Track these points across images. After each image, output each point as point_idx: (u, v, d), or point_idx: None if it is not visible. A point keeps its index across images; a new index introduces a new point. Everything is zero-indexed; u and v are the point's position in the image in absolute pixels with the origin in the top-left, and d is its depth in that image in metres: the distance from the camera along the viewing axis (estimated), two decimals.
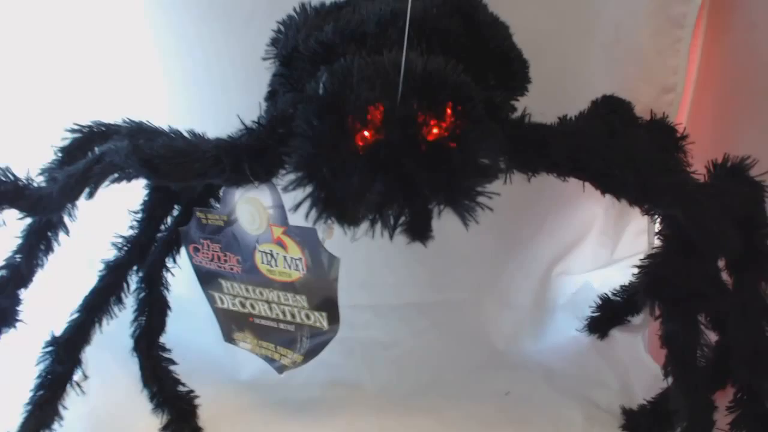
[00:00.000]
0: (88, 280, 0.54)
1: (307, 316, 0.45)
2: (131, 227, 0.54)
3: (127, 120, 0.49)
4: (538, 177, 0.42)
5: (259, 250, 0.43)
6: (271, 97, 0.43)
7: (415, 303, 0.69)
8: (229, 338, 0.49)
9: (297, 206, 0.31)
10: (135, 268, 0.56)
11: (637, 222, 0.67)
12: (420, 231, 0.29)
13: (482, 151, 0.29)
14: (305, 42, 0.38)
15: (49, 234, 0.50)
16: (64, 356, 0.52)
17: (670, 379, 0.48)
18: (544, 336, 0.71)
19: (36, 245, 0.49)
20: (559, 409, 0.62)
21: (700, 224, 0.39)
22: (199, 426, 0.59)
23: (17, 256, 0.49)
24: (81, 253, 0.62)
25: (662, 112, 0.58)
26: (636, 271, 0.67)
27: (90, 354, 0.55)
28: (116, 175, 0.43)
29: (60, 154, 0.49)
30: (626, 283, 0.68)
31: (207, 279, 0.47)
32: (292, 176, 0.32)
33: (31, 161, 0.48)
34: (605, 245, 0.69)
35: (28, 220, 0.49)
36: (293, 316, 0.45)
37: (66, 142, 0.50)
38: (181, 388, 0.60)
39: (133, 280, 0.57)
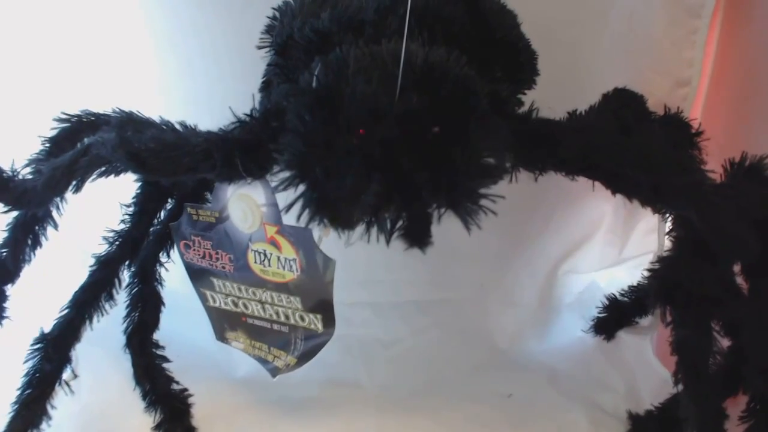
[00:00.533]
0: (81, 275, 0.53)
1: (302, 318, 0.43)
2: (123, 221, 0.53)
3: (117, 110, 0.47)
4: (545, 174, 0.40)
5: (252, 249, 0.41)
6: (266, 88, 0.41)
7: (415, 301, 0.68)
8: (221, 337, 0.48)
9: (289, 207, 0.29)
10: (127, 263, 0.54)
11: (647, 220, 0.65)
12: (418, 236, 0.27)
13: (487, 150, 0.27)
14: (300, 30, 0.35)
15: (37, 228, 0.48)
16: (53, 354, 0.50)
17: (679, 386, 0.46)
18: (548, 336, 0.70)
19: (22, 240, 0.48)
20: (563, 413, 0.60)
21: (716, 227, 0.37)
22: (192, 425, 0.58)
23: (2, 251, 0.47)
24: (73, 247, 0.60)
25: (676, 106, 0.56)
26: (645, 271, 0.66)
27: (81, 351, 0.54)
28: (103, 168, 0.41)
29: (47, 145, 0.47)
30: (635, 283, 0.65)
31: (198, 277, 0.45)
32: (283, 175, 0.30)
33: (18, 152, 0.46)
34: (613, 244, 0.67)
35: (15, 213, 0.47)
36: (287, 317, 0.43)
37: (54, 132, 0.48)
38: (174, 387, 0.59)
39: (126, 275, 0.55)
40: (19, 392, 0.49)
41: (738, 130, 0.57)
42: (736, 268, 0.42)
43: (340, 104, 0.27)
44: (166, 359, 0.59)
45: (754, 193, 0.39)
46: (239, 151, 0.37)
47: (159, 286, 0.57)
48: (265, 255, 0.41)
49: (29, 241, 0.48)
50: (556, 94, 0.43)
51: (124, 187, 0.50)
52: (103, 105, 0.48)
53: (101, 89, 0.59)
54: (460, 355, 0.67)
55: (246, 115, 0.37)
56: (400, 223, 0.28)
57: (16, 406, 0.49)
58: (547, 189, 0.62)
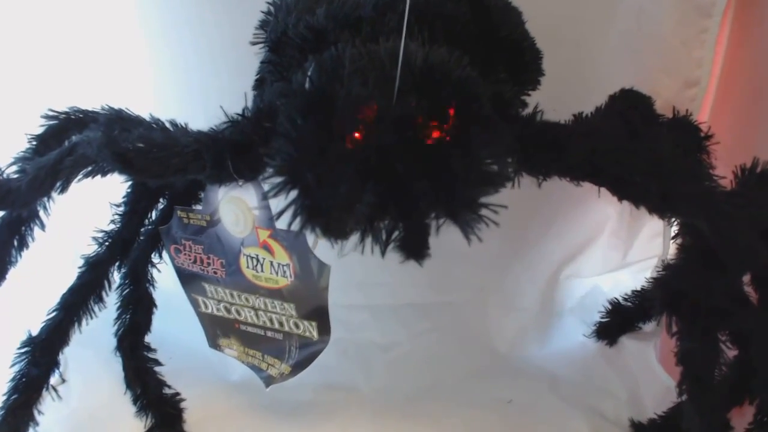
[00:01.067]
0: (70, 276, 0.51)
1: (296, 325, 0.41)
2: (113, 221, 0.51)
3: (106, 107, 0.45)
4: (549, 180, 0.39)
5: (245, 254, 0.40)
6: (259, 86, 0.39)
7: (414, 304, 0.66)
8: (214, 344, 0.46)
9: (279, 214, 0.28)
10: (118, 263, 0.53)
11: (653, 224, 0.64)
12: (416, 248, 0.26)
13: (488, 157, 0.26)
14: (295, 27, 0.34)
15: (23, 229, 0.47)
16: (40, 358, 0.49)
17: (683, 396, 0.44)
18: (549, 341, 0.68)
19: (8, 241, 0.46)
20: (563, 419, 0.59)
21: (727, 238, 0.36)
22: (185, 430, 0.57)
23: None
24: (62, 248, 0.59)
25: (684, 107, 0.54)
26: (650, 276, 0.65)
27: (71, 353, 0.53)
28: (89, 168, 0.40)
29: (34, 143, 0.45)
30: (638, 288, 0.64)
31: (189, 282, 0.43)
32: (274, 180, 0.28)
33: (5, 150, 0.45)
34: (617, 247, 0.66)
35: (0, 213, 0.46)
36: (281, 324, 0.42)
37: (41, 130, 0.46)
38: (166, 391, 0.57)
39: (117, 276, 0.54)
40: (4, 397, 0.48)
41: (747, 132, 0.55)
42: (745, 277, 0.41)
43: (334, 107, 0.25)
44: (157, 362, 0.57)
45: (766, 201, 0.38)
46: (230, 153, 0.35)
47: (151, 288, 0.55)
48: (258, 260, 0.39)
49: (15, 242, 0.46)
50: (561, 94, 0.41)
51: (115, 186, 0.48)
52: (95, 101, 0.47)
53: (93, 84, 0.57)
54: (459, 359, 0.66)
55: (238, 114, 0.36)
56: (396, 233, 0.26)
57: (2, 412, 0.48)
58: (549, 191, 0.60)
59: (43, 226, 0.48)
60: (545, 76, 0.42)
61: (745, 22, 0.56)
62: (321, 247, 0.38)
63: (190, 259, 0.42)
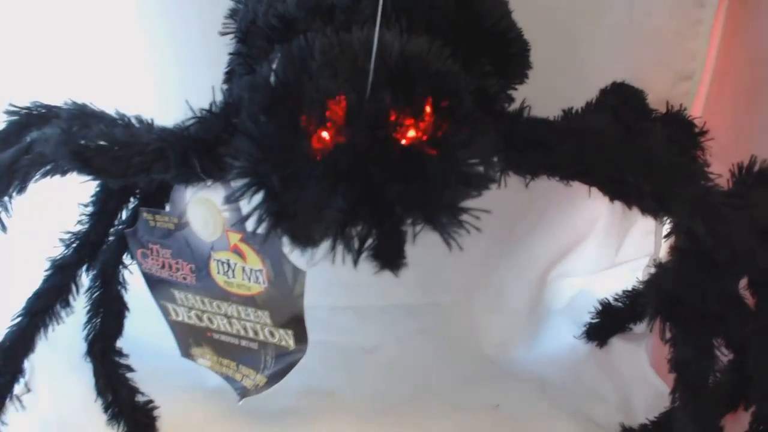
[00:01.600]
0: (36, 280, 0.49)
1: (272, 334, 0.39)
2: (80, 222, 0.49)
3: (70, 102, 0.43)
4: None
5: (215, 259, 0.37)
6: (229, 79, 0.37)
7: (399, 305, 0.65)
8: (186, 353, 0.44)
9: (243, 219, 0.26)
10: (87, 266, 0.50)
11: (644, 222, 0.62)
12: (390, 256, 0.24)
13: (469, 158, 0.23)
14: (264, 15, 0.31)
15: None
16: (4, 366, 0.47)
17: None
18: (538, 343, 0.66)
19: None
20: (552, 424, 0.57)
21: (724, 241, 0.34)
22: None
23: None
24: (27, 250, 0.56)
25: (677, 101, 0.52)
26: (640, 274, 0.63)
27: (38, 359, 0.50)
28: (48, 167, 0.37)
29: None
30: (629, 288, 0.62)
31: (158, 288, 0.41)
32: (239, 182, 0.26)
33: None
34: (608, 246, 0.64)
35: None
36: (256, 332, 0.39)
37: (1, 126, 0.44)
38: (139, 398, 0.55)
39: (87, 279, 0.51)
40: None
41: (742, 128, 0.53)
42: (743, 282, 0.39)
43: (301, 103, 0.23)
44: (130, 368, 0.55)
45: (765, 202, 0.36)
46: (196, 151, 0.33)
47: (122, 290, 0.53)
48: (229, 265, 0.37)
49: None
50: (549, 88, 0.39)
51: (83, 184, 0.46)
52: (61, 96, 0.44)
53: (61, 77, 0.54)
54: (446, 362, 0.64)
55: (204, 110, 0.33)
56: (369, 240, 0.24)
57: None
58: (537, 187, 0.59)
59: (4, 228, 0.45)
60: (533, 69, 0.40)
61: (740, 13, 0.54)
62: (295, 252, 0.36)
63: (158, 264, 0.39)
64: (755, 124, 0.52)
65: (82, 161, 0.33)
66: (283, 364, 0.40)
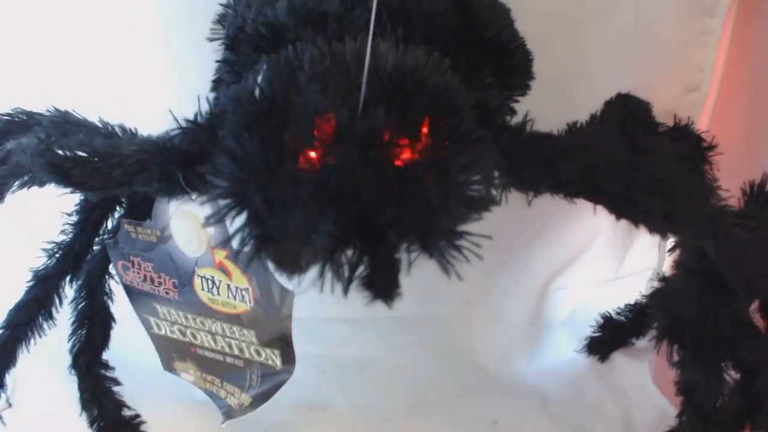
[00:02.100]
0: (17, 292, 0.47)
1: (258, 352, 0.37)
2: (63, 231, 0.47)
3: (52, 109, 0.41)
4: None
5: (199, 275, 0.35)
6: (217, 87, 0.35)
7: (396, 317, 0.63)
8: (169, 367, 0.42)
9: (226, 241, 0.24)
10: (71, 276, 0.49)
11: (647, 235, 0.60)
12: (384, 287, 0.22)
13: (469, 181, 0.22)
14: (253, 22, 0.29)
15: None
16: None
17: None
18: (538, 357, 0.65)
19: None
20: None
21: (737, 263, 0.32)
22: None
23: None
24: (11, 261, 0.54)
25: (684, 113, 0.50)
26: (643, 288, 0.62)
27: (21, 372, 0.48)
28: (25, 178, 0.36)
29: None
30: (632, 302, 0.61)
31: (140, 301, 0.39)
32: (219, 202, 0.24)
33: None
34: (610, 258, 0.63)
35: None
36: (241, 350, 0.38)
37: None
38: (126, 412, 0.53)
39: (70, 290, 0.50)
40: None
41: (750, 141, 0.52)
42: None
43: (287, 120, 0.21)
44: (116, 382, 0.53)
45: None
46: (180, 164, 0.31)
47: (109, 301, 0.51)
48: (214, 282, 0.35)
49: None
50: (551, 99, 0.38)
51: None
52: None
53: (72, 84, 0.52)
54: (443, 376, 0.62)
55: (189, 121, 0.31)
56: (360, 268, 0.22)
57: None
58: (538, 198, 0.57)
59: None
60: (535, 79, 0.38)
61: (749, 23, 0.52)
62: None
63: (139, 277, 0.38)
64: (765, 137, 0.50)
65: (60, 174, 0.32)
66: (269, 384, 0.38)
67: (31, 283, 0.47)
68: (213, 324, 0.37)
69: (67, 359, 0.52)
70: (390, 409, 0.59)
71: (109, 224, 0.47)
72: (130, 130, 0.37)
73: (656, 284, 0.56)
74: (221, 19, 0.35)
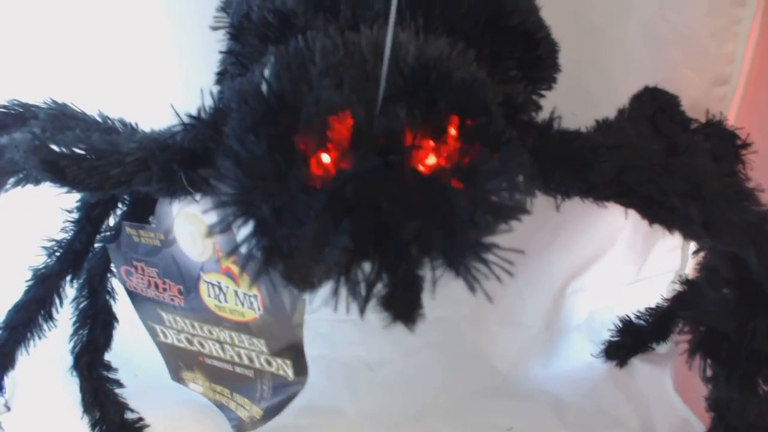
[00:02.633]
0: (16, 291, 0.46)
1: (268, 362, 0.35)
2: (64, 229, 0.45)
3: (49, 101, 0.39)
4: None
5: (205, 281, 0.33)
6: (222, 80, 0.33)
7: None
8: (177, 377, 0.40)
9: (232, 251, 0.22)
10: (72, 275, 0.47)
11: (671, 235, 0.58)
12: (405, 307, 0.20)
13: (499, 189, 0.19)
14: (259, 9, 0.27)
15: None
16: None
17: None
18: (554, 361, 0.63)
19: None
20: None
21: None
22: None
23: None
24: (11, 259, 0.53)
25: (712, 108, 0.48)
26: (664, 291, 0.59)
27: (20, 372, 0.47)
28: (20, 176, 0.34)
29: None
30: (653, 305, 0.58)
31: (145, 308, 0.37)
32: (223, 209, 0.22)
33: None
34: (631, 260, 0.60)
35: None
36: (251, 360, 0.36)
37: None
38: (128, 415, 0.52)
39: (71, 289, 0.48)
40: None
41: None
42: None
43: (297, 120, 0.19)
44: (119, 383, 0.52)
45: None
46: (181, 162, 0.29)
47: (111, 300, 0.50)
48: (221, 288, 0.33)
49: None
50: (571, 90, 0.35)
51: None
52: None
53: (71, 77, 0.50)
54: (456, 380, 0.60)
55: (191, 117, 0.29)
56: (379, 286, 0.20)
57: None
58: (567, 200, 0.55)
59: None
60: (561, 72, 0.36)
61: None
62: None
63: (143, 283, 0.36)
64: None
65: (55, 172, 0.30)
66: (281, 396, 0.36)
67: (30, 283, 0.45)
68: (221, 332, 0.35)
69: (69, 360, 0.51)
70: (399, 413, 0.57)
71: (111, 221, 0.46)
72: (130, 124, 0.35)
73: (678, 287, 0.54)
74: (226, 6, 0.33)
